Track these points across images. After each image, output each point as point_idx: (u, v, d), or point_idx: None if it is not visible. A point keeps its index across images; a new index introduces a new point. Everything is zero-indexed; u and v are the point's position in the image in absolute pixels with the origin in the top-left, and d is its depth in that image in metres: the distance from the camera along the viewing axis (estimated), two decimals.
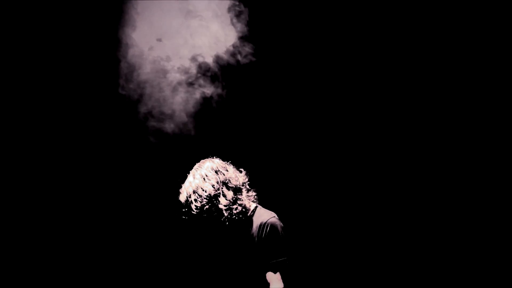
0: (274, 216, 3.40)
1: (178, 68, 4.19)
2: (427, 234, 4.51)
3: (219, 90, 4.31)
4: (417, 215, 4.53)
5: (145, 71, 4.25)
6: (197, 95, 4.22)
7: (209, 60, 4.21)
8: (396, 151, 4.57)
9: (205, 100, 4.28)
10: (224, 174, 3.35)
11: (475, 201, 4.45)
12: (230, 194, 3.33)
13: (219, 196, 3.31)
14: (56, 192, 4.58)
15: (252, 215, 3.41)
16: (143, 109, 4.29)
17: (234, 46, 4.21)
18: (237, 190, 3.37)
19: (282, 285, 3.30)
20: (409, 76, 4.55)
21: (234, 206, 3.33)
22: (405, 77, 4.55)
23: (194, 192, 3.30)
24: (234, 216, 3.32)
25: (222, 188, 3.32)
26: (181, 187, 3.37)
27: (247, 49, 4.23)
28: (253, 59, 4.29)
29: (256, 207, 3.45)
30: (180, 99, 4.20)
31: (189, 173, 3.39)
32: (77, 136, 4.56)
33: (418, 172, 4.57)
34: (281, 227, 3.37)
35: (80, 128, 4.56)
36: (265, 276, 3.33)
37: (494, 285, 4.34)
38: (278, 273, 3.30)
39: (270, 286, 3.31)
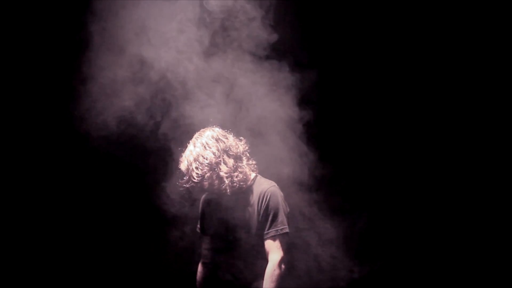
0: (274, 185, 3.42)
1: None
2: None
3: None
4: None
5: None
6: None
7: None
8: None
9: None
10: (224, 142, 3.35)
11: None
12: (231, 162, 3.33)
13: (220, 164, 3.31)
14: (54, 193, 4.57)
15: (252, 184, 3.42)
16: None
17: None
18: (237, 158, 3.37)
19: (282, 253, 3.32)
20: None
21: (235, 174, 3.33)
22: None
23: (195, 160, 3.30)
24: (235, 183, 3.33)
25: (223, 156, 3.33)
26: (181, 156, 3.37)
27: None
28: None
29: (256, 176, 3.46)
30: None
31: (189, 142, 3.39)
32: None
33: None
34: (282, 196, 3.40)
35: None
36: (264, 245, 3.35)
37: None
38: (277, 241, 3.33)
39: (269, 255, 3.33)
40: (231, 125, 3.57)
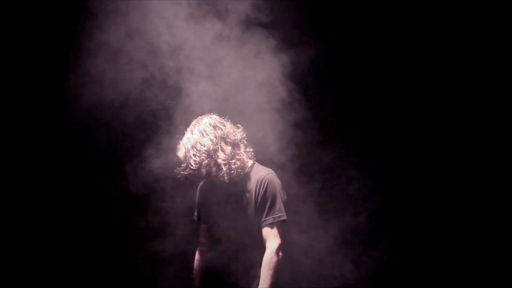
0: (272, 173, 3.42)
1: None
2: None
3: None
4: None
5: None
6: None
7: None
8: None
9: None
10: (222, 129, 3.35)
11: None
12: (228, 149, 3.33)
13: (218, 151, 3.31)
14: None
15: (249, 171, 3.41)
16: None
17: None
18: (235, 145, 3.37)
19: (279, 241, 3.33)
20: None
21: (233, 161, 3.33)
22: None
23: (192, 147, 3.29)
24: (232, 171, 3.33)
25: (220, 143, 3.32)
26: (179, 143, 3.36)
27: None
28: None
29: (253, 163, 3.46)
30: None
31: (186, 129, 3.38)
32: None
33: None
34: (279, 183, 3.40)
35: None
36: (262, 233, 3.35)
37: None
38: (275, 229, 3.33)
39: (266, 243, 3.33)
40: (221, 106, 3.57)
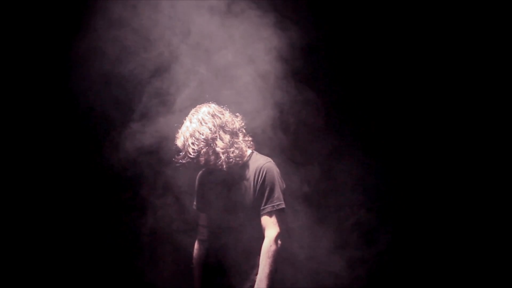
0: (270, 161, 3.43)
1: None
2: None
3: None
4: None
5: None
6: None
7: None
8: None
9: None
10: (220, 118, 3.36)
11: None
12: (227, 138, 3.34)
13: (216, 139, 3.32)
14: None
15: (248, 160, 3.43)
16: None
17: None
18: (233, 134, 3.38)
19: (278, 229, 3.34)
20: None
21: (231, 149, 3.34)
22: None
23: (191, 135, 3.30)
24: (231, 159, 3.34)
25: (219, 132, 3.33)
26: (177, 132, 3.37)
27: None
28: None
29: (252, 152, 3.47)
30: None
31: (185, 118, 3.39)
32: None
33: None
34: (278, 172, 3.41)
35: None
36: (261, 221, 3.36)
37: None
38: (274, 217, 3.34)
39: (265, 231, 3.34)
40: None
